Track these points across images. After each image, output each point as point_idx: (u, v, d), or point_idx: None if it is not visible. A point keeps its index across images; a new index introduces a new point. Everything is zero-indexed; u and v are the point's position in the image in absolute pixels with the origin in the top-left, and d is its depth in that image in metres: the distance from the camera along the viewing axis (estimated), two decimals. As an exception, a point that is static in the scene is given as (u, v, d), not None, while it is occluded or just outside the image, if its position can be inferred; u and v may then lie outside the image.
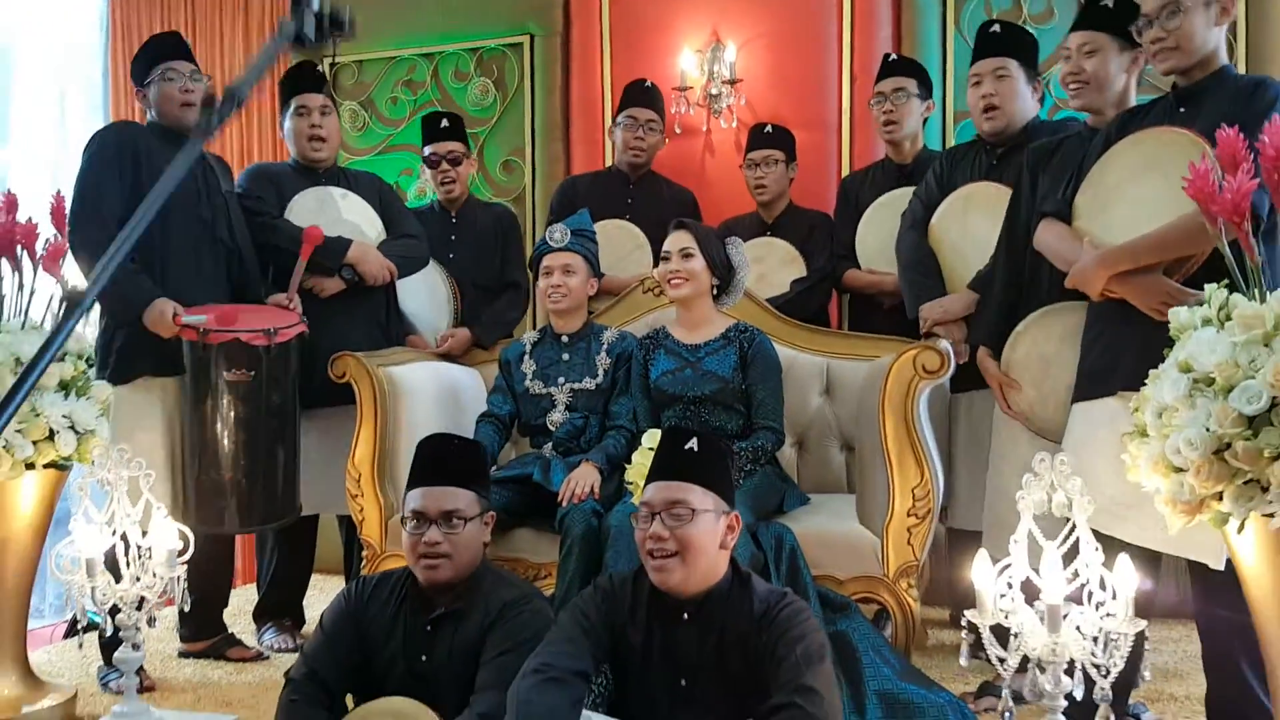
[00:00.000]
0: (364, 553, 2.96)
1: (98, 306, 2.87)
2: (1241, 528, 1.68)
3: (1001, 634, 1.83)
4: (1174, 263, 2.09)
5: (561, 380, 2.93)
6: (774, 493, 2.74)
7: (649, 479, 2.05)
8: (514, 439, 3.14)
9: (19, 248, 2.64)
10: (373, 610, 2.23)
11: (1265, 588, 1.72)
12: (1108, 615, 1.75)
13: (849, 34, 3.99)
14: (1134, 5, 2.29)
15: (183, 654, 3.18)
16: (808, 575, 2.50)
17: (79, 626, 2.46)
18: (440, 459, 2.25)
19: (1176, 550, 2.03)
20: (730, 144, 4.02)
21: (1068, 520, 1.80)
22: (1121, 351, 2.12)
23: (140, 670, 2.46)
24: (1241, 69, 3.52)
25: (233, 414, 2.84)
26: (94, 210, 2.80)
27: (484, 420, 2.96)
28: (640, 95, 3.70)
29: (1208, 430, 1.65)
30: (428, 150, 3.64)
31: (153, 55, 3.04)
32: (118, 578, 2.39)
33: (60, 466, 2.60)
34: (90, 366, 2.77)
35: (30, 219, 2.67)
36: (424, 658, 2.17)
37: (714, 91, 4.02)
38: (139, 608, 2.38)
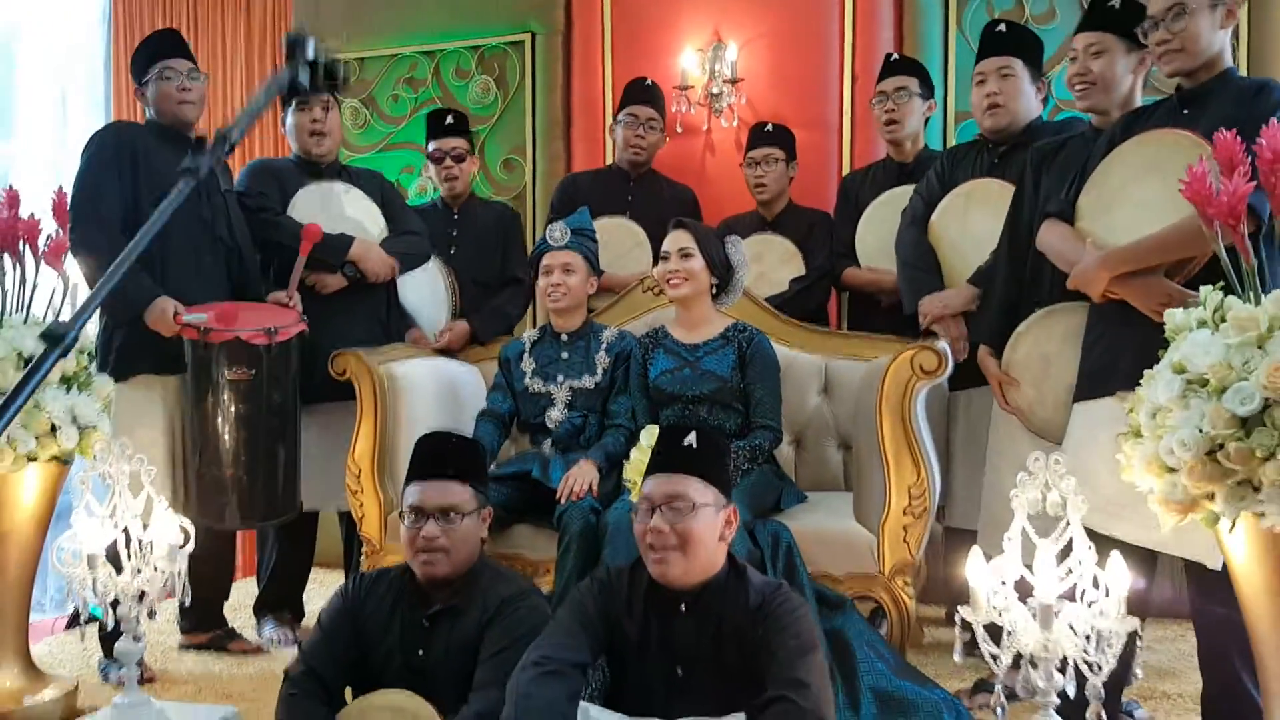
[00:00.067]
0: (363, 548, 2.98)
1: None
2: (1233, 527, 1.69)
3: (995, 631, 1.84)
4: (1175, 265, 2.10)
5: (561, 378, 2.95)
6: (771, 491, 2.76)
7: (648, 473, 2.07)
8: (513, 436, 3.15)
9: (21, 243, 2.65)
10: (370, 606, 2.24)
11: (1256, 586, 1.73)
12: (1100, 613, 1.77)
13: (850, 34, 4.00)
14: (1141, 6, 2.30)
15: (183, 646, 3.20)
16: (804, 572, 2.52)
17: (80, 619, 2.48)
18: (439, 455, 2.26)
19: (1174, 550, 2.04)
20: (731, 143, 4.03)
21: (1061, 519, 1.81)
22: (1122, 352, 2.13)
23: (141, 662, 2.47)
24: (1243, 71, 3.53)
25: (234, 412, 2.87)
26: (92, 211, 2.82)
27: (483, 418, 2.98)
28: (641, 93, 3.72)
29: (1201, 431, 1.67)
30: (431, 146, 3.66)
31: (150, 53, 3.06)
32: (119, 571, 2.40)
33: (62, 460, 2.61)
34: (92, 361, 2.78)
35: (33, 214, 2.67)
36: (421, 653, 2.18)
37: (715, 90, 4.03)
38: (140, 600, 2.39)
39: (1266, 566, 1.70)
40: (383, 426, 2.96)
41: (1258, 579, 1.73)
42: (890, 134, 3.42)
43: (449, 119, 3.65)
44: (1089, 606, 1.78)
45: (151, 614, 2.42)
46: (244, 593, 3.60)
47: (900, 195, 3.26)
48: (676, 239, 2.85)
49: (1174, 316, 1.84)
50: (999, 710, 1.88)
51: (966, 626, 1.84)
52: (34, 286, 2.68)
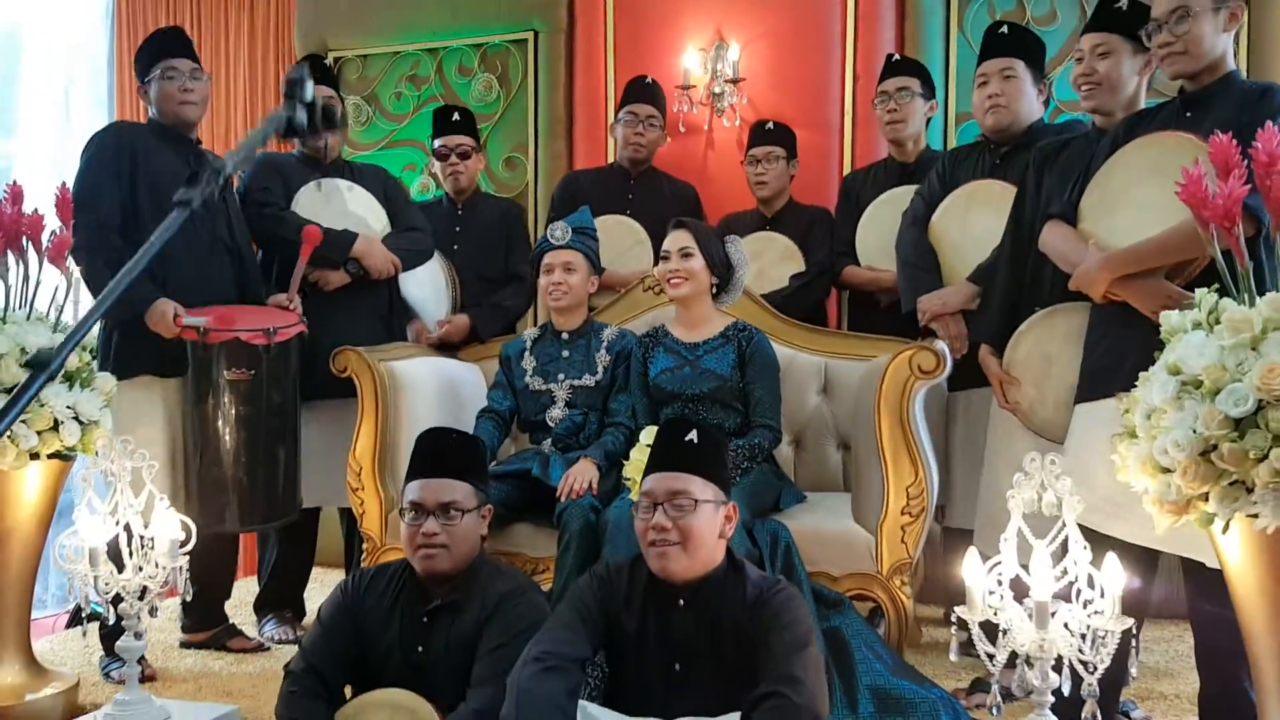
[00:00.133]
0: (364, 545, 2.99)
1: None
2: (1226, 528, 1.70)
3: (991, 630, 1.85)
4: (1176, 267, 2.11)
5: (561, 377, 2.96)
6: (770, 490, 2.77)
7: (648, 469, 2.08)
8: (514, 435, 3.17)
9: (25, 239, 2.66)
10: (370, 602, 2.25)
11: (1250, 586, 1.74)
12: (1095, 613, 1.78)
13: (852, 34, 4.01)
14: (1147, 8, 2.30)
15: (184, 644, 3.21)
16: (802, 571, 2.53)
17: (82, 616, 2.49)
18: (439, 452, 2.27)
19: (1173, 548, 2.04)
20: (732, 143, 4.03)
21: (1057, 519, 1.82)
22: (1123, 353, 2.13)
23: (142, 659, 2.48)
24: (1242, 73, 3.53)
25: (234, 412, 2.88)
26: (91, 213, 2.82)
27: (484, 416, 2.99)
28: (641, 91, 3.73)
29: (1195, 432, 1.67)
30: (437, 143, 3.67)
31: (154, 51, 3.06)
32: (120, 568, 2.41)
33: (64, 457, 2.62)
34: (94, 359, 2.79)
35: (36, 210, 2.68)
36: (420, 649, 2.19)
37: (717, 90, 4.04)
38: (141, 597, 2.41)
39: (1260, 567, 1.71)
40: (384, 424, 2.97)
41: (1251, 579, 1.73)
42: (893, 133, 3.42)
43: (455, 116, 3.67)
44: (1084, 606, 1.79)
45: (153, 611, 2.44)
46: (245, 591, 3.61)
47: (901, 195, 3.27)
48: (677, 239, 2.86)
49: (1169, 318, 1.84)
50: (995, 709, 1.90)
51: (963, 626, 1.85)
52: (37, 283, 2.69)
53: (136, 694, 2.43)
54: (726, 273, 2.91)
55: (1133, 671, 1.85)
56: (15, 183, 2.72)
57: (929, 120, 3.51)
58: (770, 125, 3.62)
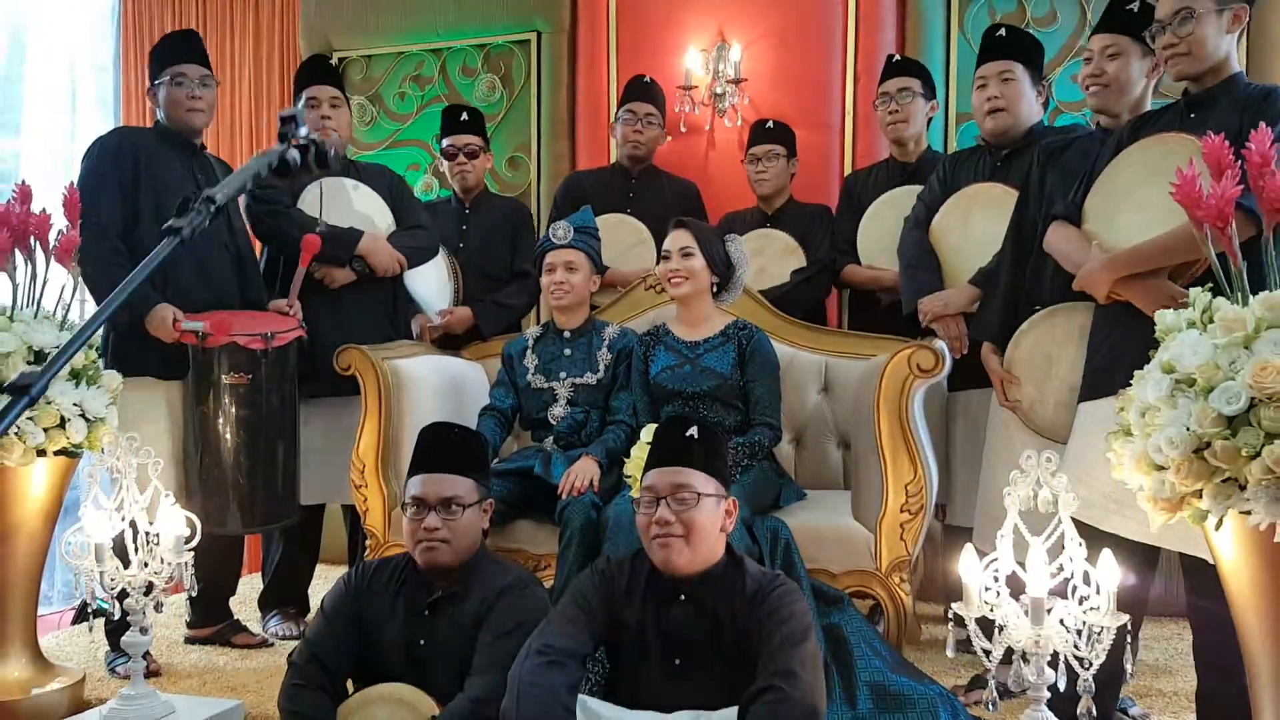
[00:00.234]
0: (367, 542, 3.01)
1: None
2: (1220, 525, 1.71)
3: (987, 626, 1.87)
4: (1179, 267, 2.12)
5: (563, 375, 2.98)
6: (770, 488, 2.78)
7: (649, 466, 2.10)
8: (515, 432, 3.19)
9: (32, 239, 2.68)
10: (373, 594, 2.28)
11: (1243, 582, 1.76)
12: (1091, 609, 1.79)
13: (853, 35, 4.03)
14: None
15: (189, 640, 3.23)
16: (802, 569, 2.54)
17: (88, 612, 2.51)
18: (441, 447, 2.30)
19: (1174, 544, 2.06)
20: (734, 143, 4.05)
21: (1054, 516, 1.84)
22: (1126, 353, 2.14)
23: (147, 655, 2.51)
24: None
25: (233, 414, 2.92)
26: (92, 218, 2.84)
27: (486, 413, 3.01)
28: (639, 90, 3.75)
29: (1188, 430, 1.69)
30: (445, 142, 3.70)
31: (165, 55, 3.08)
32: (126, 564, 2.43)
33: (70, 454, 2.64)
34: (100, 356, 2.81)
35: (44, 210, 2.71)
36: (422, 641, 2.21)
37: (719, 90, 4.06)
38: (147, 593, 2.43)
39: (1253, 563, 1.72)
40: (387, 422, 2.99)
41: (1244, 575, 1.75)
42: (894, 134, 3.44)
43: (464, 116, 3.69)
44: (1080, 603, 1.81)
45: (158, 607, 2.46)
46: (250, 587, 3.64)
47: (903, 195, 3.28)
48: (677, 238, 2.88)
49: (1164, 317, 1.86)
50: (991, 705, 1.91)
51: (960, 622, 1.87)
52: (44, 282, 2.71)
53: (141, 689, 2.45)
54: (727, 272, 2.92)
55: (1128, 667, 1.86)
56: (23, 182, 2.74)
57: (930, 120, 3.53)
58: (770, 124, 3.64)
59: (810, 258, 3.51)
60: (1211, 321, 1.74)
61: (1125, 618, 1.77)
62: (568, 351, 3.01)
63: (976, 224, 2.94)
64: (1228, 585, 1.81)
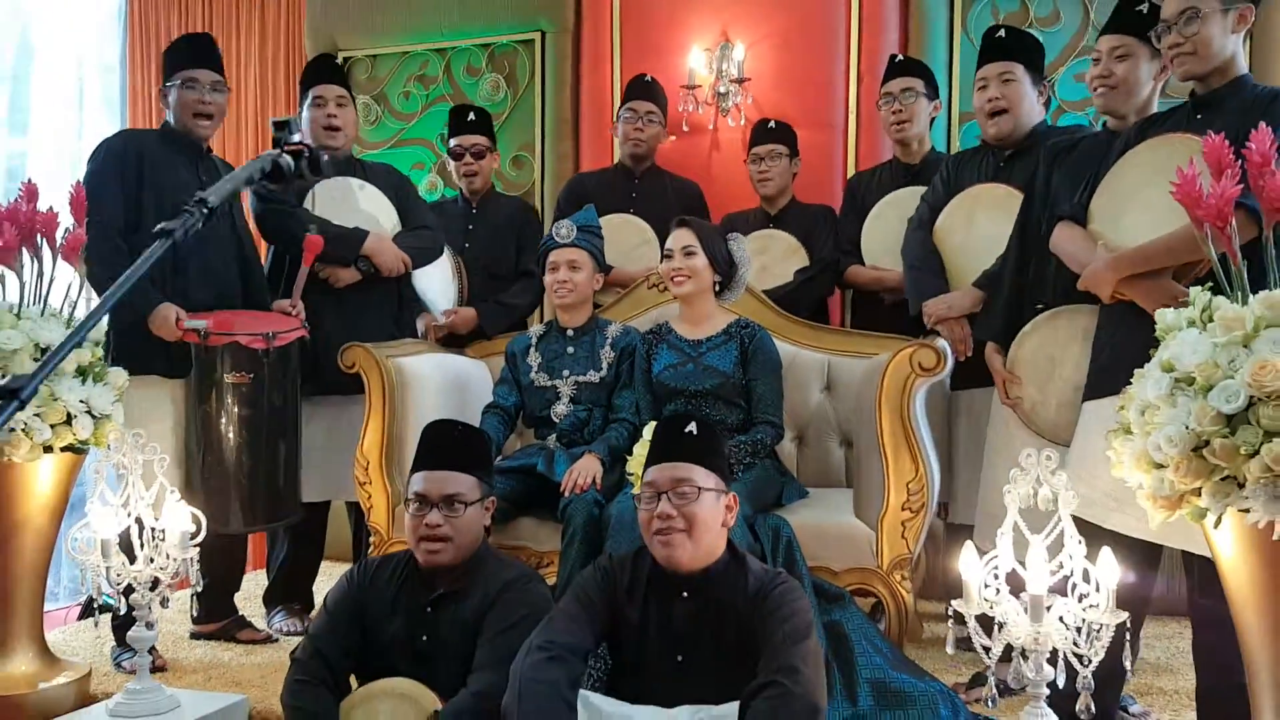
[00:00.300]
0: (371, 539, 3.03)
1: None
2: (1218, 523, 1.72)
3: (987, 623, 1.88)
4: (1183, 267, 2.12)
5: (566, 373, 2.99)
6: (772, 486, 2.79)
7: (649, 463, 2.12)
8: (519, 430, 3.20)
9: (39, 236, 2.70)
10: (375, 591, 2.29)
11: (1241, 579, 1.77)
12: (1090, 606, 1.80)
13: (856, 35, 4.03)
14: None
15: (194, 635, 3.25)
16: (803, 566, 2.55)
17: (94, 607, 2.53)
18: (444, 445, 2.31)
19: (1176, 542, 2.06)
20: (737, 142, 4.05)
21: (1053, 514, 1.85)
22: (1131, 352, 2.14)
23: (153, 650, 2.52)
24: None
25: (236, 413, 2.95)
26: (95, 219, 2.86)
27: (489, 411, 3.02)
28: (640, 89, 3.77)
29: (1187, 428, 1.70)
30: (453, 142, 3.71)
31: (179, 58, 3.09)
32: (132, 559, 2.45)
33: (77, 450, 2.66)
34: (107, 354, 2.83)
35: (51, 208, 2.72)
36: (425, 637, 2.23)
37: (722, 90, 4.06)
38: (153, 588, 2.45)
39: (1252, 560, 1.73)
40: (391, 419, 3.00)
41: (1243, 573, 1.76)
42: (898, 134, 3.44)
43: (471, 116, 3.71)
44: (1079, 600, 1.82)
45: (164, 602, 2.48)
46: (255, 584, 3.66)
47: (907, 196, 3.29)
48: (679, 237, 2.89)
49: (1164, 316, 1.87)
50: (990, 701, 1.93)
51: (959, 619, 1.88)
52: (51, 279, 2.72)
53: (147, 683, 2.47)
54: (729, 270, 2.93)
55: (1128, 665, 1.87)
56: (30, 181, 2.76)
57: (933, 120, 3.53)
58: (772, 124, 3.65)
59: (813, 258, 3.52)
60: (1211, 320, 1.75)
61: (1124, 615, 1.78)
62: (571, 350, 3.03)
63: (980, 225, 2.95)
64: (1226, 583, 1.82)
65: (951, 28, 4.00)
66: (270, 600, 3.46)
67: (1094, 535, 1.94)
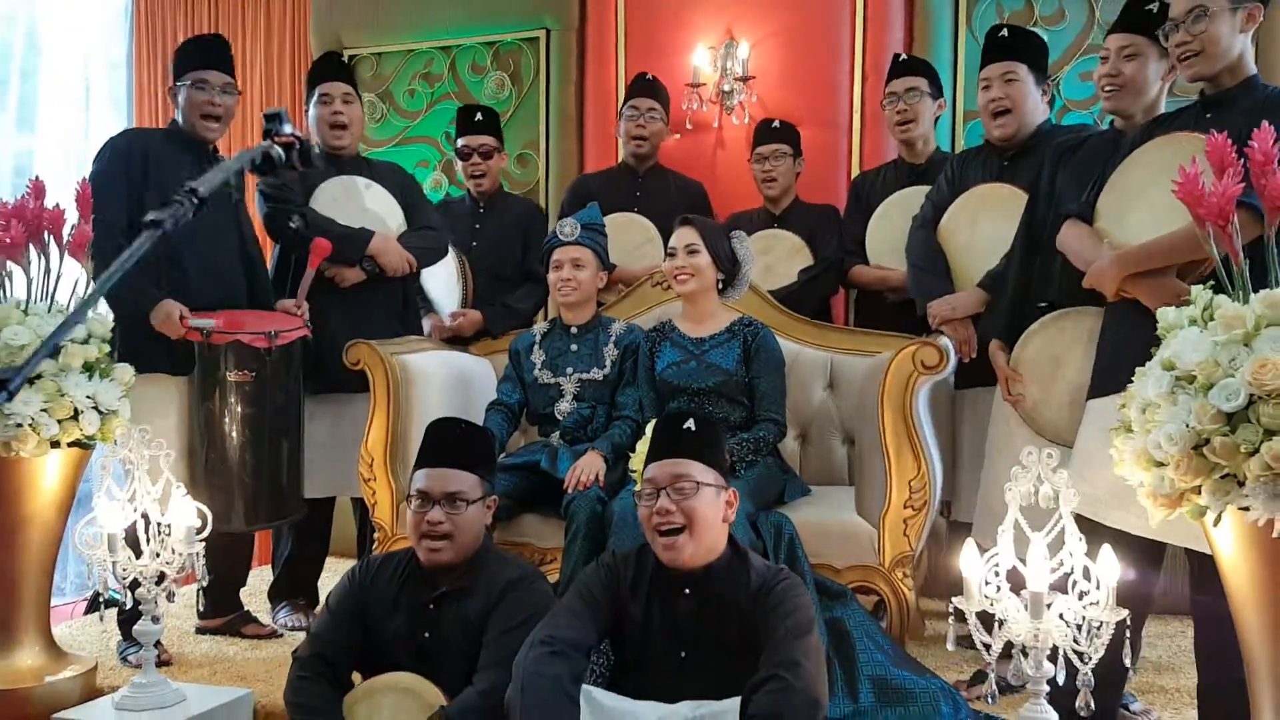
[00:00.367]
0: (375, 535, 3.04)
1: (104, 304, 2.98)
2: (1218, 520, 1.73)
3: (988, 620, 1.89)
4: (1188, 265, 2.13)
5: (570, 370, 3.00)
6: (775, 483, 2.80)
7: (648, 460, 2.13)
8: (522, 427, 3.21)
9: (46, 233, 2.71)
10: (377, 589, 2.30)
11: (1241, 577, 1.77)
12: (1091, 604, 1.81)
13: (861, 33, 4.03)
14: None
15: (200, 630, 3.27)
16: (805, 563, 2.56)
17: (100, 601, 2.55)
18: (446, 443, 2.32)
19: (1178, 540, 2.07)
20: (741, 140, 4.06)
21: (1054, 511, 1.86)
22: (1133, 350, 2.15)
23: (158, 644, 2.54)
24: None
25: (239, 412, 2.96)
26: (100, 217, 2.87)
27: (493, 408, 3.03)
28: (642, 87, 3.78)
29: (1188, 426, 1.70)
30: (461, 143, 3.72)
31: (190, 58, 3.10)
32: (138, 554, 2.47)
33: (84, 445, 2.68)
34: (113, 350, 2.85)
35: (58, 205, 2.74)
36: (427, 635, 2.24)
37: (726, 88, 4.07)
38: (159, 583, 2.46)
39: (1251, 558, 1.74)
40: (395, 416, 3.01)
41: (1243, 571, 1.76)
42: (903, 134, 3.44)
43: (479, 116, 3.71)
44: (1080, 598, 1.82)
45: (170, 596, 2.49)
46: (260, 579, 3.67)
47: (912, 195, 3.29)
48: (682, 235, 2.90)
49: (1166, 315, 1.87)
50: (990, 698, 1.94)
51: (960, 616, 1.89)
52: (58, 276, 2.74)
53: (153, 677, 2.49)
54: (732, 268, 2.94)
55: (1127, 661, 1.87)
56: (37, 178, 2.77)
57: (937, 119, 3.53)
58: (776, 124, 3.66)
59: (817, 257, 3.53)
60: (1212, 319, 1.76)
61: (1124, 613, 1.79)
62: (574, 347, 3.04)
63: (984, 224, 2.95)
64: (1226, 581, 1.82)
65: (956, 25, 4.00)
66: (275, 595, 3.47)
67: (1094, 533, 1.95)
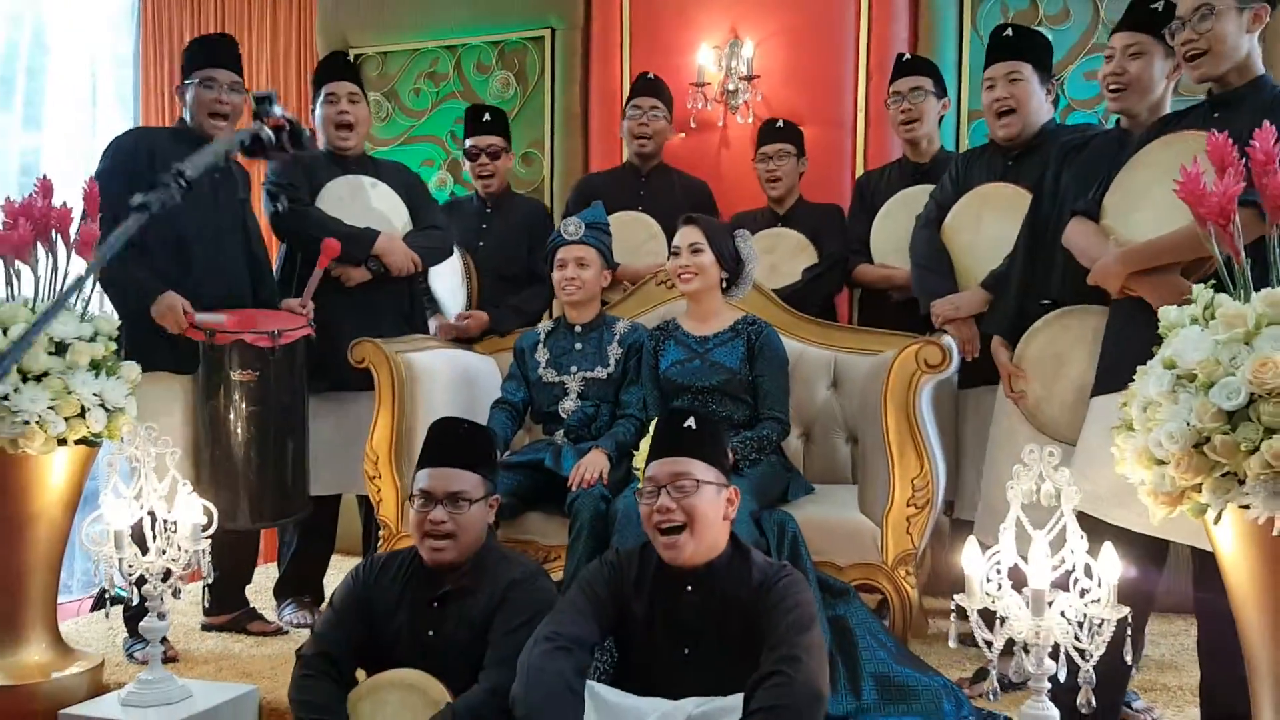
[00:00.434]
0: (380, 532, 3.06)
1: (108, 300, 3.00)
2: (1219, 518, 1.73)
3: (989, 618, 1.89)
4: (1193, 263, 2.13)
5: (574, 369, 3.01)
6: (778, 481, 2.81)
7: (649, 459, 2.14)
8: (527, 425, 3.22)
9: (53, 231, 2.73)
10: (381, 588, 2.31)
11: (1241, 575, 1.78)
12: (1092, 601, 1.81)
13: (865, 32, 4.03)
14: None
15: (205, 627, 3.28)
16: (808, 561, 2.57)
17: (106, 598, 2.56)
18: (449, 442, 2.33)
19: (1180, 537, 2.07)
20: (746, 139, 4.06)
21: (1056, 509, 1.86)
22: (1137, 348, 2.15)
23: (164, 640, 2.55)
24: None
25: (243, 410, 2.98)
26: (106, 215, 2.88)
27: (498, 407, 3.04)
28: (644, 86, 3.79)
29: (1188, 424, 1.71)
30: (468, 143, 3.72)
31: (199, 56, 3.11)
32: (144, 551, 2.48)
33: (90, 443, 2.69)
34: (119, 347, 2.86)
35: (65, 203, 2.75)
36: (431, 633, 2.24)
37: (731, 87, 4.08)
38: (164, 579, 2.48)
39: (1252, 556, 1.74)
40: (400, 414, 3.02)
41: (1243, 569, 1.77)
42: (908, 133, 3.43)
43: (486, 116, 3.72)
44: (1081, 595, 1.83)
45: (176, 593, 2.51)
46: (265, 576, 3.69)
47: (916, 194, 3.29)
48: (686, 234, 2.91)
49: (1168, 314, 1.87)
50: (992, 695, 1.94)
51: (962, 614, 1.90)
52: (65, 274, 2.75)
53: (159, 673, 2.50)
54: (736, 267, 2.95)
55: (1128, 659, 1.88)
56: (45, 176, 2.79)
57: (941, 118, 3.53)
58: (780, 123, 3.66)
59: (822, 256, 3.53)
60: (1213, 318, 1.76)
61: (1125, 610, 1.79)
62: (579, 346, 3.05)
63: (988, 224, 2.94)
64: (1227, 579, 1.83)
65: (961, 25, 4.00)
66: (281, 593, 3.49)
67: (1095, 530, 1.95)
